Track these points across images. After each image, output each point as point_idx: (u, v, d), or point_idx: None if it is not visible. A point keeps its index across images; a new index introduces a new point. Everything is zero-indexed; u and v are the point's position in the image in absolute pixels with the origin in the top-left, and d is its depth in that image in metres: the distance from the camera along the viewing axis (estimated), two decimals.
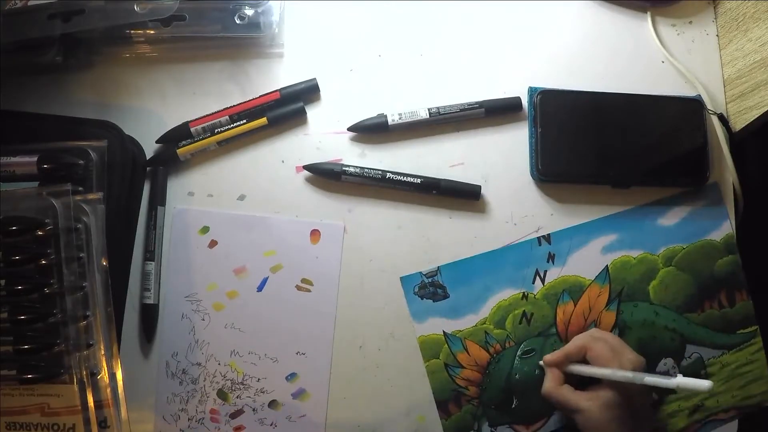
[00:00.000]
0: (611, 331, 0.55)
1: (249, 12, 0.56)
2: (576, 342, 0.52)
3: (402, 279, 0.56)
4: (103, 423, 0.47)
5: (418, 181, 0.56)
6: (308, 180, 0.57)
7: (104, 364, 0.48)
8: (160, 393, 0.55)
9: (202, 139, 0.56)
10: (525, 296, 0.56)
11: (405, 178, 0.56)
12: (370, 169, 0.56)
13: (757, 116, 0.54)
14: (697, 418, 0.56)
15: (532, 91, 0.58)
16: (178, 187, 0.57)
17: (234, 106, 0.57)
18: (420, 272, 0.56)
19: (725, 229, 0.57)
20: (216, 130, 0.57)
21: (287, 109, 0.57)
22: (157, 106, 0.58)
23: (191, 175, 0.57)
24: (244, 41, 0.58)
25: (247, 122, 0.57)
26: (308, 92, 0.58)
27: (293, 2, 0.60)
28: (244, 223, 0.56)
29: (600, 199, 0.57)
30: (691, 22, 0.61)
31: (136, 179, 0.55)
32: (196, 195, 0.57)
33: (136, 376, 0.55)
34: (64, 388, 0.47)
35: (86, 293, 0.47)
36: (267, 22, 0.57)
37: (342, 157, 0.58)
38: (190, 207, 0.57)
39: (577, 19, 0.61)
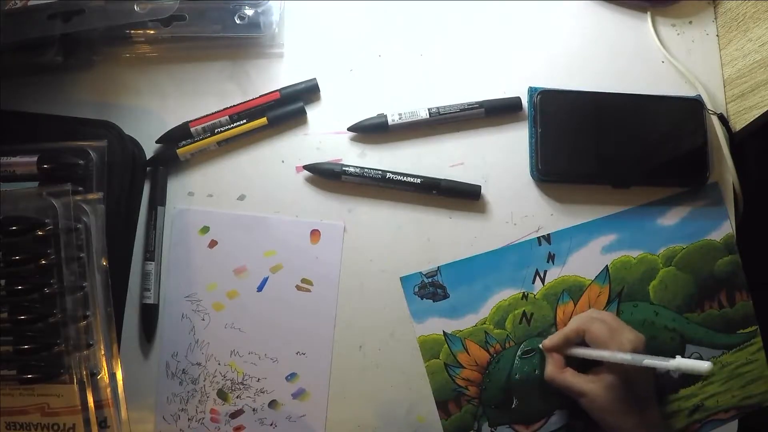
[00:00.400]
0: None
1: (249, 12, 0.56)
2: (573, 324, 0.52)
3: (402, 279, 0.56)
4: (103, 423, 0.47)
5: (418, 181, 0.56)
6: (308, 180, 0.57)
7: (104, 364, 0.48)
8: (160, 393, 0.55)
9: (202, 139, 0.56)
10: (525, 296, 0.56)
11: (405, 178, 0.56)
12: (370, 169, 0.56)
13: (757, 116, 0.54)
14: (696, 418, 0.56)
15: (532, 91, 0.58)
16: (178, 187, 0.57)
17: (234, 106, 0.57)
18: (420, 272, 0.56)
19: (725, 229, 0.57)
20: (216, 130, 0.57)
21: (287, 109, 0.57)
22: (157, 106, 0.58)
23: (191, 175, 0.57)
24: (244, 41, 0.58)
25: (247, 122, 0.57)
26: (308, 92, 0.58)
27: (293, 2, 0.60)
28: (244, 223, 0.56)
29: (600, 199, 0.57)
30: (691, 22, 0.61)
31: (136, 179, 0.55)
32: (196, 195, 0.57)
33: (136, 376, 0.55)
34: (64, 388, 0.47)
35: (86, 293, 0.47)
36: (267, 22, 0.57)
37: (342, 157, 0.58)
38: (190, 207, 0.57)
39: (577, 19, 0.61)
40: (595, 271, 0.56)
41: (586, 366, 0.51)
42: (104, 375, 0.48)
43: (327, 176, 0.56)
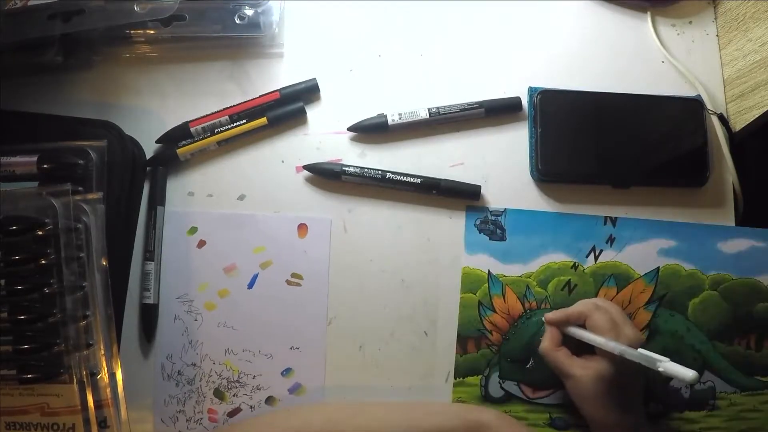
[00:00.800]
0: (641, 331, 0.55)
1: (249, 12, 0.56)
2: (578, 307, 0.52)
3: (467, 208, 0.56)
4: (102, 423, 0.47)
5: (418, 181, 0.56)
6: (308, 180, 0.57)
7: (104, 364, 0.48)
8: (157, 395, 0.55)
9: (202, 139, 0.56)
10: (575, 266, 0.56)
11: (405, 178, 0.56)
12: (370, 169, 0.56)
13: (757, 116, 0.54)
14: None
15: (532, 91, 0.58)
16: (178, 187, 0.57)
17: (234, 106, 0.57)
18: (487, 207, 0.56)
19: None
20: (216, 130, 0.57)
21: (287, 109, 0.57)
22: (157, 106, 0.58)
23: (191, 175, 0.57)
24: (244, 41, 0.58)
25: (247, 122, 0.57)
26: (308, 92, 0.58)
27: (293, 2, 0.60)
28: (231, 221, 0.56)
29: (600, 199, 0.57)
30: (691, 22, 0.61)
31: (135, 179, 0.55)
32: (196, 195, 0.57)
33: (135, 376, 0.55)
34: (63, 388, 0.47)
35: (86, 293, 0.47)
36: (267, 22, 0.57)
37: (342, 157, 0.58)
38: (176, 209, 0.56)
39: (577, 19, 0.61)
40: (647, 268, 0.56)
41: (580, 351, 0.51)
42: (104, 375, 0.48)
43: (327, 176, 0.56)
